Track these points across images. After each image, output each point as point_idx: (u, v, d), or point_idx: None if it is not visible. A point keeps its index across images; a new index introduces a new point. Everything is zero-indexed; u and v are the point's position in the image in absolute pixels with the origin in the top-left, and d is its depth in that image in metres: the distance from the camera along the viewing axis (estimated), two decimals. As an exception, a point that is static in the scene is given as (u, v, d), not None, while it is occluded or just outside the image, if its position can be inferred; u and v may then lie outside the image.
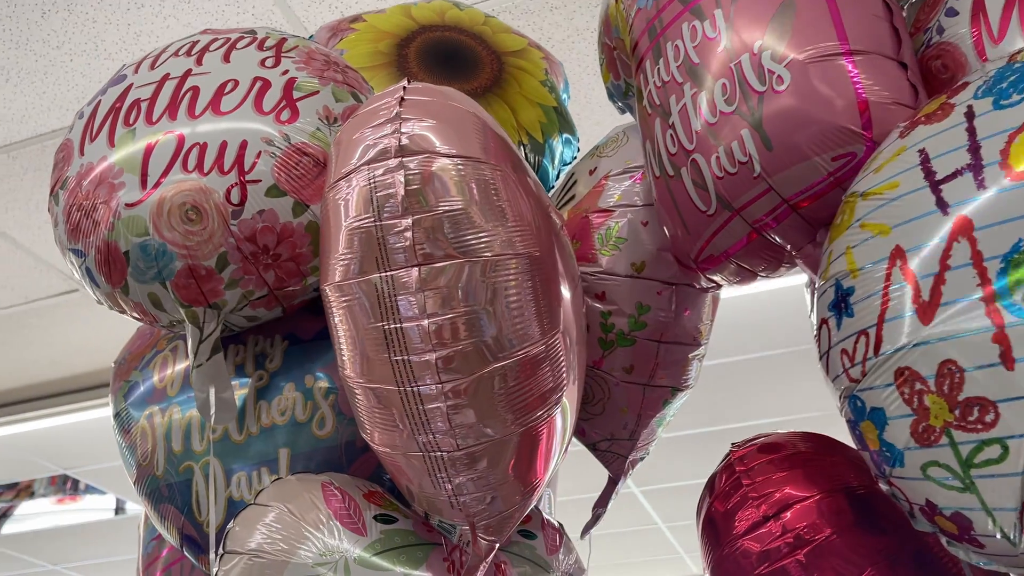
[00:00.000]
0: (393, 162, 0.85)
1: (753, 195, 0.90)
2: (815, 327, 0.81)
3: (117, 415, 1.21)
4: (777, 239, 0.95)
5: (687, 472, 4.33)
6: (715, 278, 1.09)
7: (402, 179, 0.84)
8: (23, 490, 4.75)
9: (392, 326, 0.85)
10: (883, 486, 0.74)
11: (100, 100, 1.11)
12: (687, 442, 3.94)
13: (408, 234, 0.84)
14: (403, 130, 0.86)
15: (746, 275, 1.04)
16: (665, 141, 1.00)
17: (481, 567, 0.94)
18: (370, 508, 1.00)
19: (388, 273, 0.85)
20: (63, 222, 1.08)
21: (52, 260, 2.95)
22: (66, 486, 4.69)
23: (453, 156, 0.86)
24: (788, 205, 0.89)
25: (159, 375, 1.19)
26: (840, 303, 0.74)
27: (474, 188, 0.86)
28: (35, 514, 4.88)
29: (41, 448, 4.04)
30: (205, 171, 1.01)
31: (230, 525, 0.94)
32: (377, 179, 0.85)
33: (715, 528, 0.96)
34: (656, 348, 1.27)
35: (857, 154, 0.83)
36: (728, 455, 1.01)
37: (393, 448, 0.92)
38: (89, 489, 4.63)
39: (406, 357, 0.85)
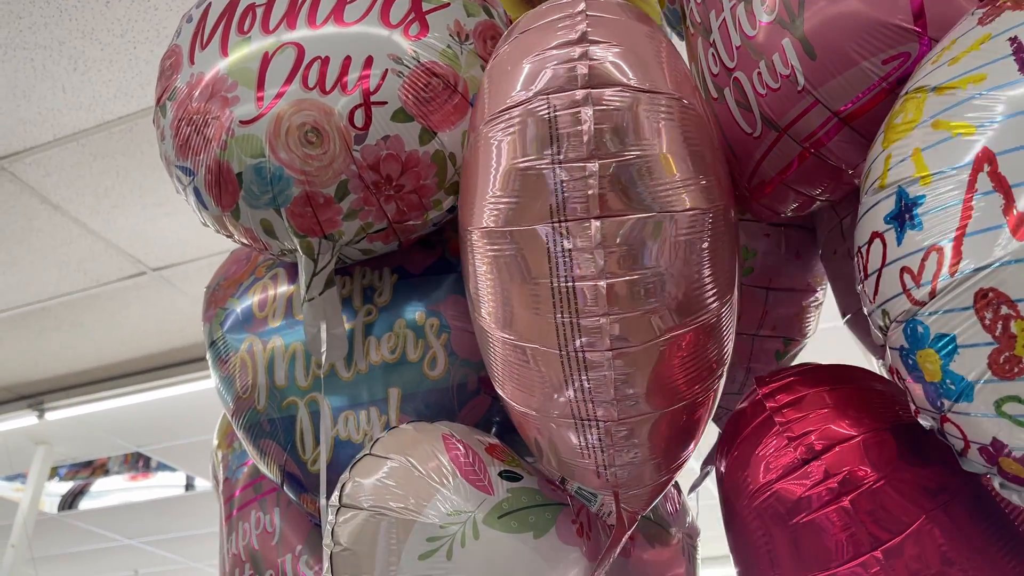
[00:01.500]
0: (580, 94, 0.72)
1: (799, 111, 0.81)
2: (859, 244, 0.70)
3: (212, 344, 1.15)
4: (831, 158, 0.85)
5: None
6: (773, 207, 0.98)
7: (590, 115, 0.71)
8: (98, 468, 4.93)
9: (561, 284, 0.74)
10: (926, 421, 0.67)
11: (210, 3, 1.02)
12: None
13: (593, 181, 0.71)
14: (592, 56, 0.72)
15: (804, 201, 0.95)
16: (708, 62, 0.92)
17: (623, 539, 0.87)
18: (494, 464, 0.93)
19: (563, 223, 0.73)
20: (171, 136, 0.99)
21: (121, 244, 3.04)
22: (138, 464, 4.85)
23: (648, 91, 0.73)
24: (838, 119, 0.80)
25: (259, 304, 1.12)
26: (903, 214, 0.64)
27: (670, 130, 0.74)
28: (110, 491, 5.06)
29: (114, 426, 4.19)
30: (327, 89, 0.92)
31: (346, 476, 0.88)
32: (559, 112, 0.72)
33: (740, 475, 0.83)
34: (765, 295, 1.17)
35: (911, 54, 0.73)
36: (753, 391, 0.89)
37: (538, 410, 0.83)
38: (160, 466, 4.79)
39: (574, 319, 0.74)
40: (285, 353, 1.08)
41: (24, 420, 4.03)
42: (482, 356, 0.91)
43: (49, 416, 3.98)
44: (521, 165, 0.74)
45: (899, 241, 0.64)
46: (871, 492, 0.74)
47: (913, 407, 0.68)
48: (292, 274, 1.13)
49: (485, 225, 0.78)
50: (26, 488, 4.46)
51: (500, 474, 0.92)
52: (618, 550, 0.87)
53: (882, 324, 0.67)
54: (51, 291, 3.31)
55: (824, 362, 0.94)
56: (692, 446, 0.88)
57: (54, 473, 4.85)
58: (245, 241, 1.04)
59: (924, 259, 0.62)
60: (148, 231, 3.02)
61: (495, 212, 0.76)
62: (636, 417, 0.79)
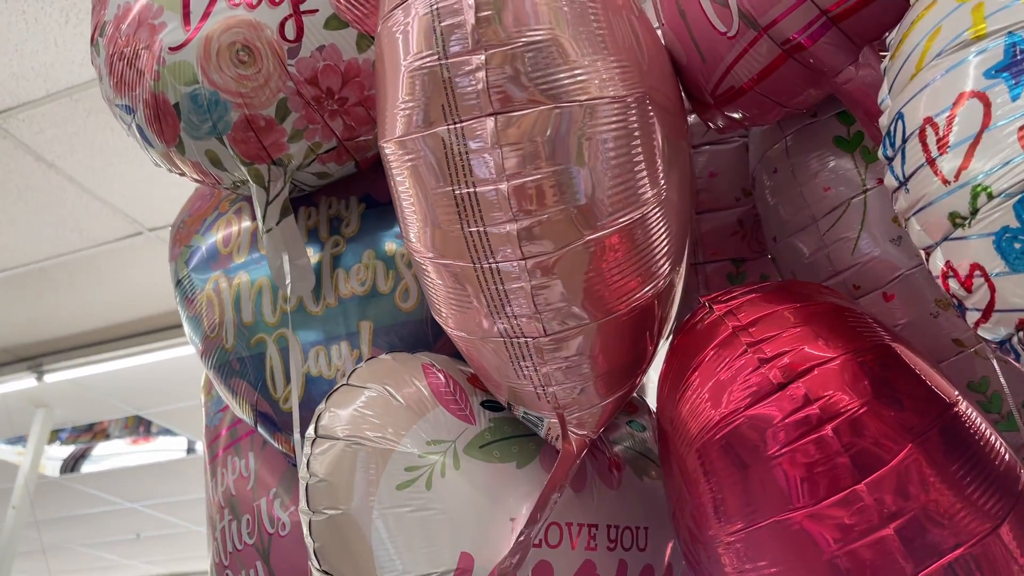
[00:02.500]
0: None
1: (784, 8, 0.75)
2: (928, 116, 0.60)
3: (179, 283, 1.13)
4: (812, 62, 0.79)
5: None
6: (734, 115, 0.91)
7: (471, 2, 0.67)
8: (99, 432, 4.95)
9: (464, 190, 0.69)
10: (995, 333, 0.58)
11: None
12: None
13: (480, 74, 0.67)
14: None
15: (770, 109, 0.87)
16: None
17: (572, 466, 0.82)
18: (476, 394, 0.89)
19: (457, 124, 0.68)
20: (106, 75, 0.96)
21: (118, 203, 3.01)
22: (139, 428, 4.87)
23: None
24: (827, 17, 0.74)
25: (223, 240, 1.09)
26: (1018, 63, 0.55)
27: (566, 11, 0.69)
28: (111, 455, 5.09)
29: (113, 389, 4.19)
30: (253, 3, 0.88)
31: (322, 406, 0.84)
32: (440, 4, 0.68)
33: (697, 403, 0.72)
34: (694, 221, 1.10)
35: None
36: (703, 309, 0.78)
37: (470, 333, 0.78)
38: (162, 431, 4.81)
39: (481, 228, 0.70)
40: (251, 289, 1.05)
41: (23, 382, 4.03)
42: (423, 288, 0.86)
43: (48, 378, 3.98)
44: (413, 65, 0.70)
45: (1015, 95, 0.55)
46: (854, 420, 0.66)
47: (977, 316, 0.60)
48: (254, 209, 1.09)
49: (397, 135, 0.73)
50: (26, 451, 4.47)
51: (482, 404, 0.89)
52: (569, 476, 0.82)
53: (965, 210, 0.58)
54: (47, 251, 3.29)
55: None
56: (644, 362, 0.83)
57: (55, 437, 4.87)
58: (197, 177, 1.00)
59: None
60: (144, 190, 2.99)
61: (403, 118, 0.72)
62: (565, 331, 0.74)
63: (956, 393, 0.73)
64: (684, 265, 0.85)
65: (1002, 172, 0.55)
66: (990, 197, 0.56)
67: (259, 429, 1.06)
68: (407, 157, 0.73)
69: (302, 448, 0.85)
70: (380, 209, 1.04)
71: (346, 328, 1.00)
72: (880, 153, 0.68)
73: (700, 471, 0.71)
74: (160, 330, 3.75)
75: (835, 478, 0.65)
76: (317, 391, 0.98)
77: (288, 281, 0.95)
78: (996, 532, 0.65)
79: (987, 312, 0.59)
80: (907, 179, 0.63)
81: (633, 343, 0.80)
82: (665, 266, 0.78)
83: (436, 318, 0.85)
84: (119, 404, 4.37)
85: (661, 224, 0.76)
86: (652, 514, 0.98)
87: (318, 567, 0.80)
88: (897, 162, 0.64)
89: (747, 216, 1.14)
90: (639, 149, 0.72)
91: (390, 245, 1.01)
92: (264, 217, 0.95)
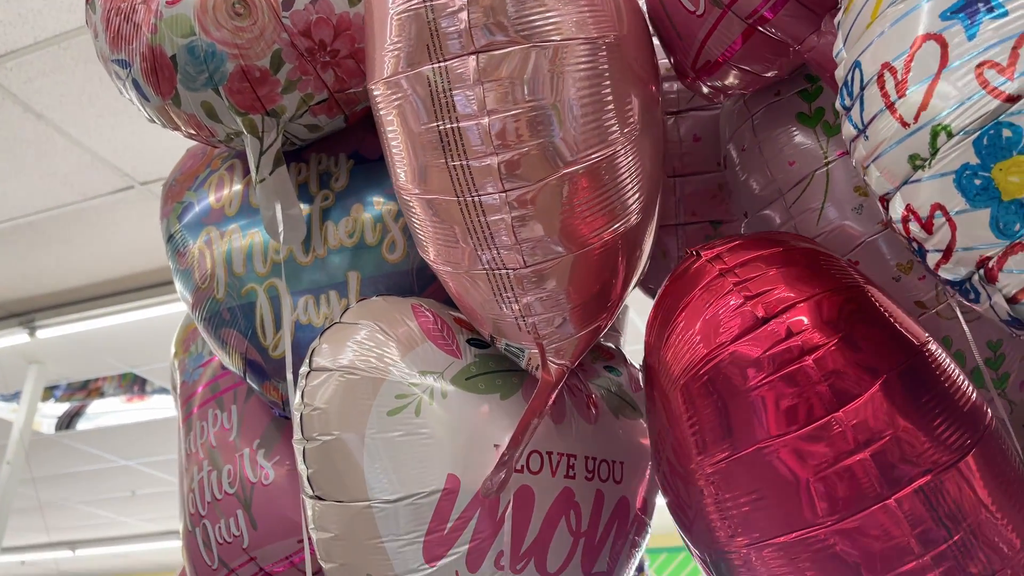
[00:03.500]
0: None
1: None
2: (885, 61, 0.62)
3: (171, 238, 1.16)
4: (776, 33, 0.83)
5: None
6: (716, 85, 0.97)
7: None
8: (93, 390, 4.96)
9: (448, 126, 0.74)
10: (955, 273, 0.60)
11: None
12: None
13: (463, 15, 0.72)
14: None
15: (751, 79, 0.93)
16: None
17: (551, 393, 0.87)
18: (462, 332, 0.94)
19: (442, 64, 0.73)
20: (102, 30, 0.99)
21: (108, 156, 2.97)
22: (134, 387, 4.87)
23: None
24: None
25: (215, 195, 1.13)
26: (972, 4, 0.57)
27: None
28: (106, 412, 5.10)
29: (106, 346, 4.18)
30: None
31: (316, 342, 0.89)
32: None
33: (686, 340, 0.75)
34: (673, 183, 1.16)
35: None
36: (690, 257, 0.82)
37: (455, 267, 0.83)
38: (156, 390, 4.81)
39: (465, 162, 0.74)
40: (243, 241, 1.08)
41: (16, 338, 4.02)
42: (410, 228, 0.90)
43: (41, 334, 3.97)
44: (400, 8, 0.75)
45: (972, 35, 0.56)
46: (831, 352, 0.69)
47: (937, 257, 0.62)
48: (246, 165, 1.13)
49: (384, 76, 0.78)
50: (20, 407, 4.48)
51: (468, 341, 0.93)
52: (549, 402, 0.87)
53: (925, 150, 0.59)
54: (38, 205, 3.25)
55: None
56: (615, 295, 0.86)
57: (49, 395, 4.87)
58: (191, 131, 1.03)
59: (1015, 48, 0.54)
60: (134, 142, 2.95)
61: (390, 60, 0.76)
62: (544, 263, 0.79)
63: (926, 335, 0.77)
64: (656, 209, 0.90)
65: (961, 110, 0.57)
66: (950, 136, 0.58)
67: (247, 378, 1.09)
68: (394, 97, 0.77)
69: (295, 388, 0.89)
70: (368, 166, 1.08)
71: (335, 278, 1.04)
72: (837, 104, 0.70)
73: (684, 406, 0.75)
74: (153, 286, 3.73)
75: (813, 407, 0.69)
76: (306, 339, 1.01)
77: (280, 230, 0.99)
78: (961, 462, 0.69)
79: (947, 252, 0.61)
80: (866, 126, 0.64)
81: (605, 277, 0.84)
82: (635, 204, 0.82)
83: (423, 256, 0.88)
84: (112, 360, 4.37)
85: (632, 163, 0.80)
86: (627, 450, 1.03)
87: (311, 493, 0.84)
88: (855, 111, 0.66)
89: (727, 181, 1.18)
90: (608, 90, 0.77)
91: (378, 200, 1.06)
92: (258, 167, 0.99)
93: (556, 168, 0.75)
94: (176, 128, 1.04)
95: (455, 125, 0.74)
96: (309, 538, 0.87)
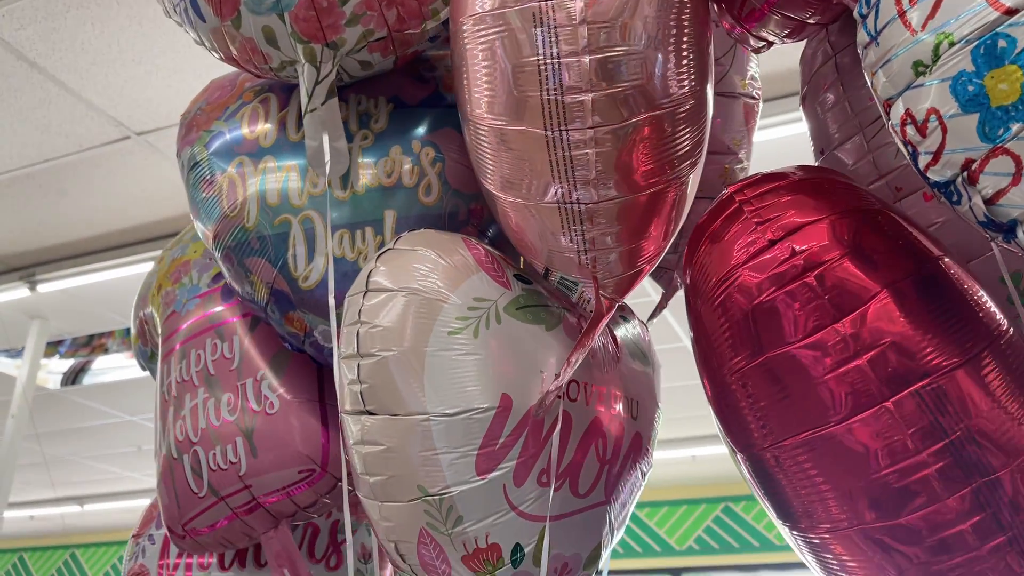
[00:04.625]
0: None
1: None
2: None
3: (196, 165, 1.15)
4: None
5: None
6: (763, 35, 1.00)
7: None
8: (97, 347, 4.97)
9: (549, 61, 0.79)
10: (942, 175, 0.65)
11: None
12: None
13: None
14: None
15: (794, 26, 0.97)
16: None
17: (602, 323, 0.94)
18: (509, 267, 0.99)
19: (551, 0, 0.77)
20: None
21: (103, 106, 2.93)
22: (137, 343, 4.89)
23: None
24: None
25: (249, 127, 1.14)
26: None
27: None
28: (110, 368, 5.12)
29: (107, 300, 4.18)
30: None
31: (372, 265, 0.92)
32: None
33: (706, 263, 0.85)
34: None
35: None
36: (725, 193, 0.91)
37: (525, 198, 0.87)
38: (158, 343, 4.82)
39: (560, 97, 0.79)
40: (278, 173, 1.09)
41: (16, 293, 4.02)
42: (472, 158, 0.94)
43: (41, 288, 3.97)
44: None
45: None
46: (833, 268, 0.77)
47: (928, 159, 0.67)
48: (284, 99, 1.15)
49: (477, 11, 0.82)
50: (23, 362, 4.49)
51: (515, 275, 0.98)
52: (598, 333, 0.94)
53: (928, 57, 0.64)
54: (33, 156, 3.22)
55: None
56: (664, 239, 0.93)
57: (54, 351, 4.89)
58: (239, 55, 1.03)
59: None
60: (129, 91, 2.91)
61: None
62: (615, 200, 0.84)
63: (939, 252, 0.82)
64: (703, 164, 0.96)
65: (963, 20, 0.62)
66: (951, 44, 0.63)
67: (268, 309, 1.10)
68: (491, 31, 0.82)
69: (333, 313, 0.96)
70: (407, 110, 1.12)
71: (371, 215, 1.07)
72: (855, 12, 0.74)
73: (714, 319, 0.84)
74: (154, 239, 3.71)
75: (816, 317, 0.77)
76: (339, 272, 1.05)
77: (327, 160, 1.01)
78: (963, 368, 0.75)
79: (937, 154, 0.66)
80: (878, 33, 0.69)
81: (663, 219, 0.90)
82: (698, 154, 0.89)
83: (486, 186, 0.92)
84: (114, 315, 4.37)
85: (701, 115, 0.87)
86: (641, 391, 1.11)
87: (361, 408, 0.87)
88: (871, 19, 0.70)
89: (732, 162, 1.27)
90: (690, 42, 0.83)
91: (415, 143, 1.09)
92: (311, 96, 1.00)
93: (643, 111, 0.80)
94: (223, 53, 1.04)
95: (556, 61, 0.78)
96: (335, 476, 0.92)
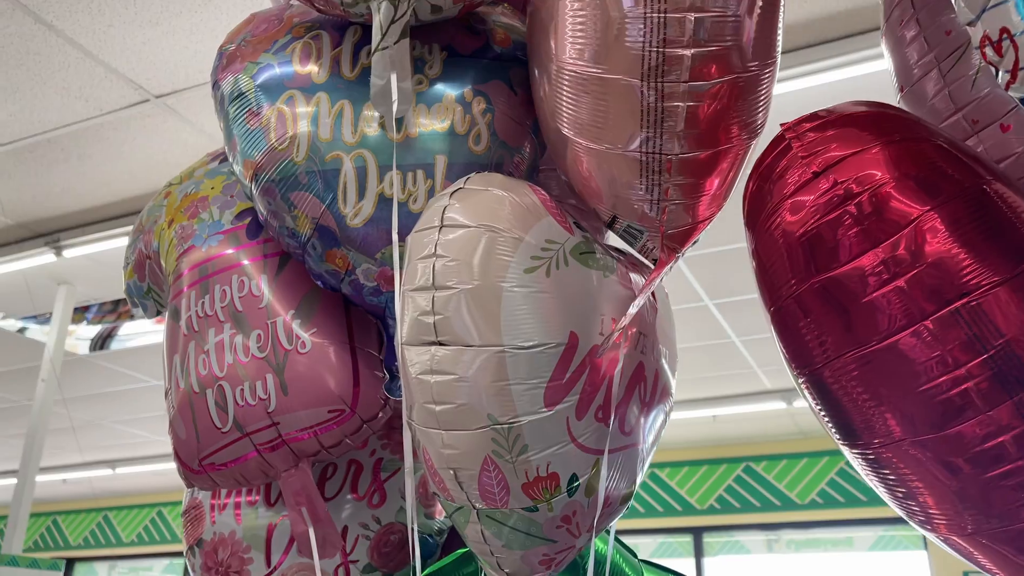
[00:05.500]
0: None
1: None
2: None
3: (240, 96, 1.14)
4: None
5: (763, 284, 4.28)
6: None
7: None
8: (123, 313, 5.04)
9: (655, 15, 0.83)
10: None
11: None
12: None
13: None
14: None
15: None
16: None
17: (663, 272, 0.98)
18: (567, 216, 1.02)
19: None
20: None
21: (121, 69, 2.94)
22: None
23: None
24: None
25: (300, 62, 1.13)
26: None
27: None
28: (137, 333, 5.20)
29: (133, 266, 4.23)
30: None
31: (444, 202, 0.95)
32: None
33: (760, 196, 0.91)
34: None
35: None
36: (780, 133, 0.96)
37: (610, 145, 0.91)
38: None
39: (661, 50, 0.83)
40: (331, 110, 1.09)
41: (43, 258, 4.08)
42: (546, 104, 0.97)
43: (67, 254, 4.02)
44: None
45: None
46: (872, 196, 0.81)
47: (1007, 78, 0.71)
48: (336, 36, 1.16)
49: None
50: (51, 328, 4.58)
51: (574, 223, 1.02)
52: (657, 282, 1.00)
53: None
54: (55, 120, 3.25)
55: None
56: (723, 199, 0.97)
57: (81, 317, 4.96)
58: None
59: None
60: (147, 54, 2.92)
61: None
62: (695, 153, 0.89)
63: (989, 176, 0.84)
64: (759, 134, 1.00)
65: None
66: None
67: (311, 244, 1.10)
68: None
69: (396, 248, 1.02)
70: (461, 60, 1.14)
71: (423, 159, 1.08)
72: None
73: (769, 247, 0.90)
74: (174, 204, 3.74)
75: (858, 242, 0.81)
76: (387, 211, 1.07)
77: (395, 99, 1.02)
78: (1005, 286, 0.78)
79: (1014, 72, 0.70)
80: None
81: (730, 176, 0.95)
82: (764, 118, 0.94)
83: (562, 129, 0.95)
84: (139, 281, 4.42)
85: (773, 82, 0.92)
86: (669, 341, 1.19)
87: (432, 339, 0.90)
88: None
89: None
90: (775, 11, 0.89)
91: (467, 92, 1.12)
92: (385, 35, 1.01)
93: (734, 71, 0.85)
94: None
95: (662, 16, 0.83)
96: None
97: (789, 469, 6.56)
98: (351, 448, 1.19)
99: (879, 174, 0.82)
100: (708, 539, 6.82)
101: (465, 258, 0.90)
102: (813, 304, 0.85)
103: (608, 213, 0.99)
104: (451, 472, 0.93)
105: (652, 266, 1.05)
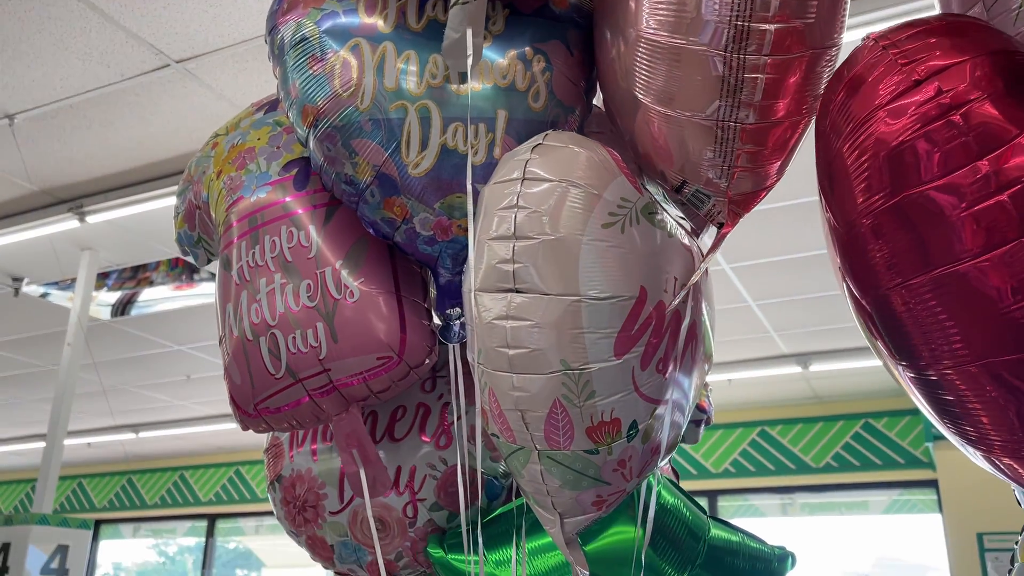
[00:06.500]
0: None
1: None
2: None
3: (303, 40, 1.14)
4: None
5: (779, 247, 4.27)
6: None
7: None
8: (143, 279, 5.10)
9: None
10: None
11: None
12: (780, 215, 3.86)
13: None
14: None
15: None
16: None
17: (727, 234, 1.02)
18: (637, 176, 1.05)
19: None
20: None
21: (143, 34, 2.95)
22: (181, 275, 5.01)
23: None
24: None
25: (366, 11, 1.14)
26: None
27: None
28: (156, 299, 5.27)
29: (155, 231, 4.28)
30: None
31: (525, 155, 0.98)
32: None
33: (846, 108, 0.87)
34: None
35: None
36: (864, 42, 0.93)
37: (687, 111, 0.94)
38: (204, 277, 4.94)
39: (747, 23, 0.86)
40: (397, 59, 1.11)
41: (66, 224, 4.12)
42: (623, 67, 1.00)
43: (90, 219, 4.06)
44: None
45: None
46: (980, 107, 0.78)
47: None
48: None
49: None
50: (75, 293, 4.64)
51: (642, 183, 1.05)
52: (721, 245, 1.04)
53: None
54: (76, 86, 3.27)
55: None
56: (785, 165, 1.01)
57: (102, 284, 5.03)
58: None
59: None
60: (167, 18, 2.92)
61: None
62: (766, 123, 0.92)
63: None
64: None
65: None
66: None
67: (369, 192, 1.12)
68: None
69: (470, 198, 1.05)
70: (523, 18, 1.16)
71: (485, 112, 1.10)
72: None
73: (849, 163, 0.85)
74: (194, 170, 3.77)
75: (959, 155, 0.78)
76: (449, 163, 1.10)
77: (469, 53, 1.04)
78: None
79: None
80: None
81: (791, 145, 0.99)
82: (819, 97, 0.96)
83: (640, 97, 0.98)
84: (162, 247, 4.48)
85: (837, 60, 0.95)
86: (711, 306, 1.24)
87: (510, 286, 0.94)
88: None
89: None
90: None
91: (529, 51, 1.14)
92: None
93: (811, 47, 0.89)
94: None
95: None
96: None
97: (804, 433, 6.59)
98: (400, 392, 1.23)
99: (983, 86, 0.79)
100: (723, 502, 6.89)
101: (547, 210, 0.94)
102: (893, 222, 0.82)
103: (677, 177, 1.02)
104: (519, 413, 0.97)
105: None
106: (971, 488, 5.35)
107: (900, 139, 0.81)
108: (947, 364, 0.82)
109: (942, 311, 0.81)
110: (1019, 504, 1.56)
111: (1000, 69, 0.80)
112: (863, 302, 0.90)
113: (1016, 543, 1.85)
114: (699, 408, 1.58)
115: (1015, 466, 0.84)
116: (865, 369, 5.67)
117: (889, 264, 0.83)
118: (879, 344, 0.91)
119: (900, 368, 0.89)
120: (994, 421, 0.81)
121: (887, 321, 0.87)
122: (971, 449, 0.87)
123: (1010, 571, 1.76)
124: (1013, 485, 1.46)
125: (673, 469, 1.60)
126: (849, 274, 0.91)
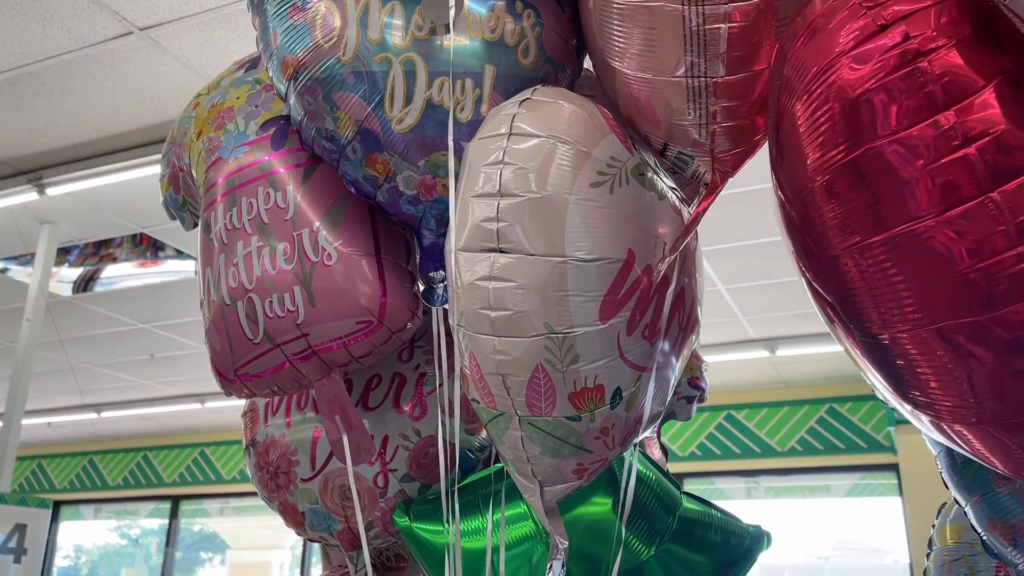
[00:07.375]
0: None
1: None
2: None
3: None
4: None
5: (749, 231, 4.29)
6: None
7: None
8: (106, 255, 4.99)
9: None
10: None
11: None
12: (750, 198, 3.87)
13: None
14: None
15: None
16: None
17: (714, 196, 0.99)
18: (627, 135, 1.02)
19: None
20: None
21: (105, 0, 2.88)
22: (146, 252, 4.91)
23: None
24: None
25: None
26: None
27: None
28: (119, 276, 5.16)
29: (116, 206, 4.16)
30: None
31: (512, 110, 0.94)
32: None
33: (803, 58, 0.81)
34: None
35: None
36: None
37: (655, 73, 0.92)
38: (169, 255, 4.85)
39: None
40: (381, 10, 1.06)
41: (25, 196, 3.99)
42: (597, 37, 0.97)
43: (50, 192, 3.94)
44: None
45: None
46: (946, 54, 0.73)
47: None
48: None
49: None
50: (34, 268, 4.53)
51: (632, 144, 1.01)
52: (709, 207, 1.00)
53: None
54: (36, 53, 3.16)
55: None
56: (765, 126, 0.96)
57: (63, 260, 4.91)
58: None
59: None
60: (132, -17, 2.84)
61: None
62: (739, 76, 0.89)
63: None
64: None
65: None
66: None
67: (351, 148, 1.08)
68: None
69: (452, 156, 1.00)
70: None
71: (472, 67, 1.07)
72: None
73: (810, 116, 0.80)
74: (160, 142, 3.69)
75: (924, 106, 0.73)
76: (434, 118, 1.06)
77: (451, 3, 1.01)
78: None
79: None
80: None
81: (767, 101, 0.93)
82: None
83: (615, 65, 0.96)
84: (123, 221, 4.38)
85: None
86: (699, 274, 1.21)
87: (494, 245, 0.90)
88: None
89: None
90: None
91: (519, 5, 1.10)
92: None
93: None
94: None
95: None
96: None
97: (769, 417, 6.67)
98: (383, 357, 1.20)
99: (950, 32, 0.73)
100: (688, 485, 6.94)
101: (534, 167, 0.90)
102: (848, 180, 0.77)
103: (660, 141, 1.00)
104: (500, 378, 0.94)
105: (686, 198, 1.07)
106: (931, 472, 5.44)
107: (863, 88, 0.75)
108: (899, 328, 0.78)
109: (896, 273, 0.77)
110: (946, 486, 1.55)
111: (968, 15, 0.75)
112: (816, 285, 0.87)
113: (933, 526, 1.84)
114: (694, 385, 1.57)
115: (965, 433, 0.81)
116: (831, 354, 5.74)
117: (842, 224, 0.79)
118: (837, 328, 0.88)
119: (852, 339, 0.86)
120: (943, 386, 0.79)
121: (837, 286, 0.83)
122: (921, 416, 0.84)
123: (928, 555, 1.77)
124: (939, 468, 1.45)
125: (663, 446, 1.59)
126: (801, 247, 0.87)
